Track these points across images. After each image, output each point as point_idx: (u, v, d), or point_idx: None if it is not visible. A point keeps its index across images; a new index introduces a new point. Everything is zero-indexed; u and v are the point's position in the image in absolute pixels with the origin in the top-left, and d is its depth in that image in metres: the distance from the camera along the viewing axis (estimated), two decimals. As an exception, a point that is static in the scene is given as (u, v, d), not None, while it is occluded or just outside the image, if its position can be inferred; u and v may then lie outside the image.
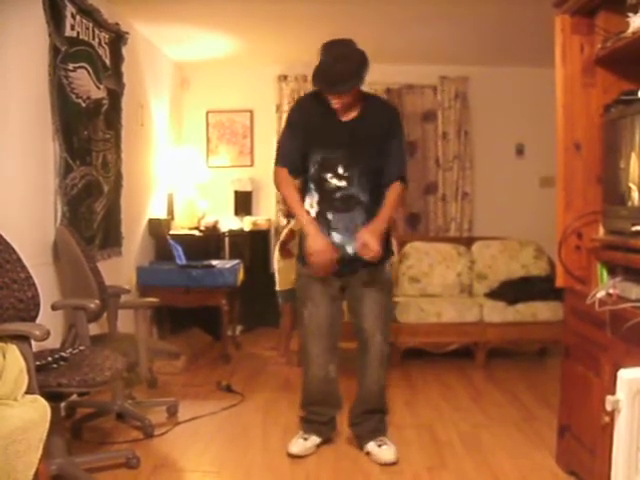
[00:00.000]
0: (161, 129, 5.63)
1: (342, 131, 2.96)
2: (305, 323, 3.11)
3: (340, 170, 2.95)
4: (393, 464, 2.99)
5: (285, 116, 5.90)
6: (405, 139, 3.14)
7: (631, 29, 2.43)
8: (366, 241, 2.83)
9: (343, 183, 2.96)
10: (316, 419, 3.19)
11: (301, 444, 3.14)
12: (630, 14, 2.43)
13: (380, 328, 3.06)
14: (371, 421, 3.14)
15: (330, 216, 2.99)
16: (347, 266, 2.99)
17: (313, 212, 3.01)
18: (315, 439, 3.17)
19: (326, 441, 3.22)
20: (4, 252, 2.52)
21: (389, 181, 2.99)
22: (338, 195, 2.97)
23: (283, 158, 3.04)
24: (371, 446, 3.07)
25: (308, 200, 3.04)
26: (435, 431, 3.48)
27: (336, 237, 2.97)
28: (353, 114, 2.97)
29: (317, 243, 2.88)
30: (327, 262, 2.90)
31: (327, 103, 2.94)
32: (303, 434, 3.19)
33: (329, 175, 2.96)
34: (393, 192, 2.98)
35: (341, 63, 2.78)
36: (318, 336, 3.08)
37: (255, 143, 6.26)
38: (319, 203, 3.01)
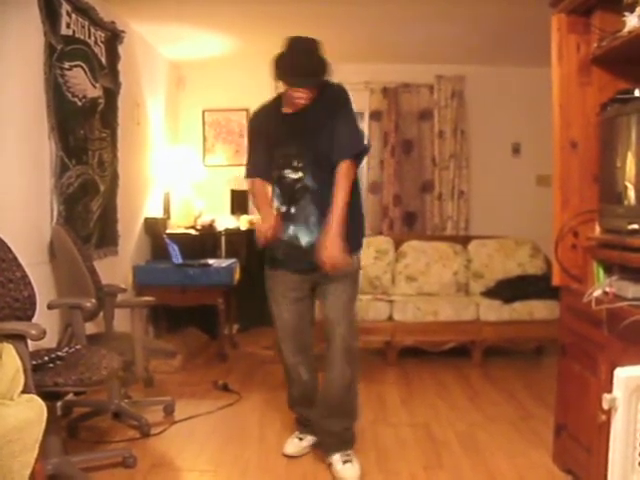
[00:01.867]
0: (157, 128, 5.62)
1: (292, 123, 2.93)
2: (275, 326, 3.10)
3: (295, 162, 2.92)
4: None
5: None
6: (352, 114, 2.96)
7: (627, 28, 2.43)
8: (328, 255, 2.76)
9: (299, 174, 2.92)
10: (305, 421, 3.18)
11: (296, 444, 3.14)
12: (626, 13, 2.44)
13: (345, 318, 2.94)
14: (337, 428, 2.98)
15: (292, 210, 2.95)
16: (306, 261, 2.89)
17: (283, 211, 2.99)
18: (311, 438, 3.16)
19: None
20: (0, 251, 2.51)
21: (337, 160, 2.83)
22: (297, 187, 2.93)
23: (251, 170, 3.09)
24: (335, 459, 2.92)
25: (275, 203, 3.02)
26: (431, 430, 3.48)
27: (292, 229, 2.93)
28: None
29: (264, 221, 2.94)
30: (269, 235, 2.90)
31: (277, 105, 2.99)
32: (299, 434, 3.19)
33: (287, 171, 2.93)
34: (340, 179, 2.81)
35: (302, 55, 2.77)
36: (285, 338, 3.06)
37: (251, 142, 6.24)
38: (282, 201, 2.97)
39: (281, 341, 3.08)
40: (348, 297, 2.98)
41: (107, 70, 4.40)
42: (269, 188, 3.06)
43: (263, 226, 2.92)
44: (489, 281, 5.27)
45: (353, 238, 2.92)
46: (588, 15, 2.76)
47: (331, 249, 2.76)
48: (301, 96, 2.82)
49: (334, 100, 2.90)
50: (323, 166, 2.87)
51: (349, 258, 2.83)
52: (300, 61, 2.77)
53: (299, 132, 2.90)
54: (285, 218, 2.94)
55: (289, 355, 3.07)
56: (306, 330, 3.09)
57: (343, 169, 2.83)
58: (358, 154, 2.91)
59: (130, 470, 2.90)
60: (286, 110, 2.95)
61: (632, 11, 2.41)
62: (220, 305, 4.89)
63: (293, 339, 3.06)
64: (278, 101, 3.03)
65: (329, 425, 3.00)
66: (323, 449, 3.06)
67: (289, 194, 2.94)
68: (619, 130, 2.49)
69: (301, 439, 3.16)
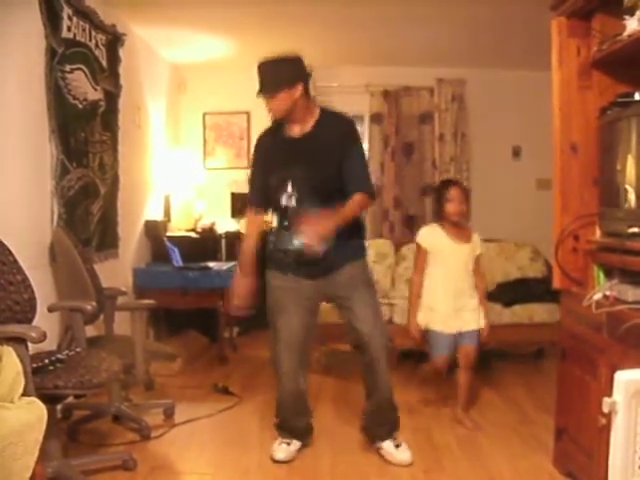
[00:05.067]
0: (158, 131, 5.62)
1: (293, 148, 2.93)
2: (278, 335, 3.03)
3: (289, 189, 2.91)
4: (409, 465, 3.02)
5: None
6: (363, 150, 3.08)
7: (627, 32, 2.43)
8: (316, 229, 2.75)
9: (292, 203, 2.91)
10: (292, 430, 3.18)
11: (285, 449, 3.12)
12: (626, 17, 2.44)
13: (378, 327, 3.02)
14: (390, 418, 3.15)
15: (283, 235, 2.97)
16: (320, 266, 2.93)
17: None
18: (297, 442, 3.17)
19: (305, 445, 3.22)
20: (0, 254, 2.51)
21: (352, 191, 2.88)
22: (289, 214, 2.92)
23: (250, 200, 3.19)
24: (387, 445, 3.09)
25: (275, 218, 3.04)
26: (432, 434, 3.47)
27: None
28: (306, 130, 2.93)
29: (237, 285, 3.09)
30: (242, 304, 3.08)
31: (282, 128, 2.97)
32: (282, 439, 3.16)
33: (282, 196, 2.92)
34: (355, 203, 2.87)
35: (267, 68, 2.85)
36: (289, 349, 3.02)
37: (252, 145, 6.21)
38: (283, 218, 2.97)
39: (283, 351, 3.03)
40: (374, 307, 3.07)
41: (108, 73, 4.41)
42: (262, 220, 3.17)
43: (238, 289, 3.08)
44: (489, 284, 5.22)
45: (359, 247, 3.10)
46: (588, 18, 2.76)
47: (320, 227, 2.74)
48: (267, 108, 2.90)
49: (342, 130, 2.93)
50: (323, 196, 2.86)
51: (322, 246, 2.77)
52: (260, 74, 2.86)
53: (301, 157, 2.89)
54: (283, 240, 2.95)
55: (291, 366, 3.05)
56: (309, 342, 3.14)
57: (359, 197, 2.88)
58: (372, 192, 2.98)
59: (130, 473, 2.89)
60: (291, 133, 2.95)
61: (632, 14, 2.41)
62: (220, 308, 4.88)
63: (297, 350, 3.04)
64: (281, 125, 3.01)
65: (383, 417, 3.14)
66: (371, 438, 3.19)
67: (282, 220, 2.97)
68: (619, 133, 2.49)
69: (289, 444, 3.14)
